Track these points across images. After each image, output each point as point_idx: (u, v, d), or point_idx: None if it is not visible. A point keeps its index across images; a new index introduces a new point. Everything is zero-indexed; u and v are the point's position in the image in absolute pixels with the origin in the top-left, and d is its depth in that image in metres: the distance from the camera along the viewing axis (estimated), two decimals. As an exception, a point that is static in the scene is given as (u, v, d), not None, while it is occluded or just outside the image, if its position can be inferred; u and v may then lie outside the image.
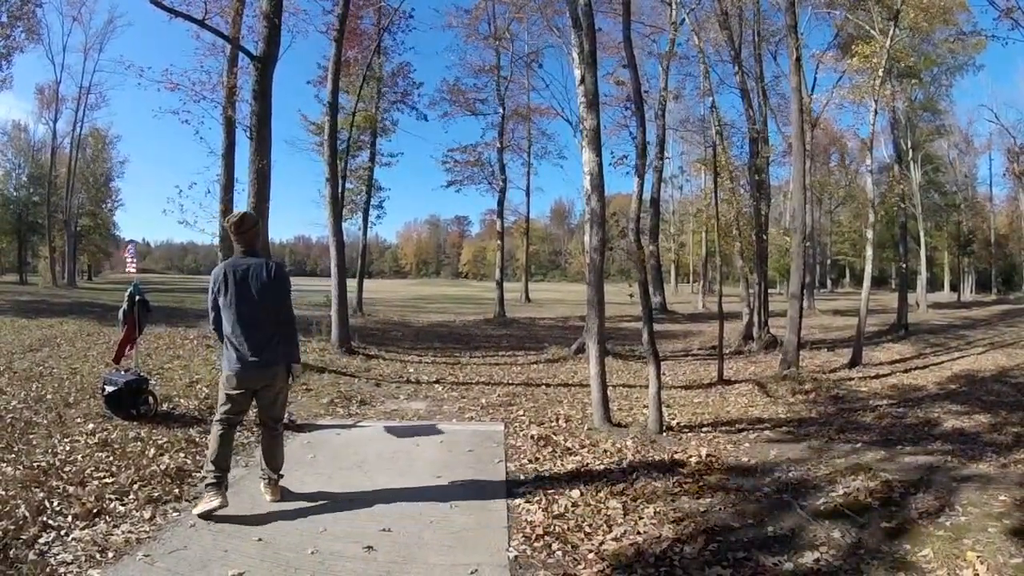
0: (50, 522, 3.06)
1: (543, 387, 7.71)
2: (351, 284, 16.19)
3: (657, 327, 7.51)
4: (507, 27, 20.00)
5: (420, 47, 45.23)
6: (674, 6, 10.57)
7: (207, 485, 3.29)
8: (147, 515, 3.24)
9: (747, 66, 13.61)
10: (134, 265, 6.84)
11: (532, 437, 5.14)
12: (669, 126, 22.03)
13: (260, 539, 3.03)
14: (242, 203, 8.79)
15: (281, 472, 3.63)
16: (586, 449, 4.81)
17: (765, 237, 12.96)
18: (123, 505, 3.35)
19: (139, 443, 4.41)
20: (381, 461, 4.45)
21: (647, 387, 5.58)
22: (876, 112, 10.67)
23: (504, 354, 11.15)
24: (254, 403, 3.53)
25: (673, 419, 5.94)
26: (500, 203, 22.34)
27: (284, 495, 3.60)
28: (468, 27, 21.09)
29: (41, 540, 2.89)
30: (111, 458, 4.04)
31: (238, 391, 3.37)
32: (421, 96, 21.49)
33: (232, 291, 3.33)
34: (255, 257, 3.45)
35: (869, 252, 10.05)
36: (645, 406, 5.85)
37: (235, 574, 2.66)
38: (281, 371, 3.48)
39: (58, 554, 2.78)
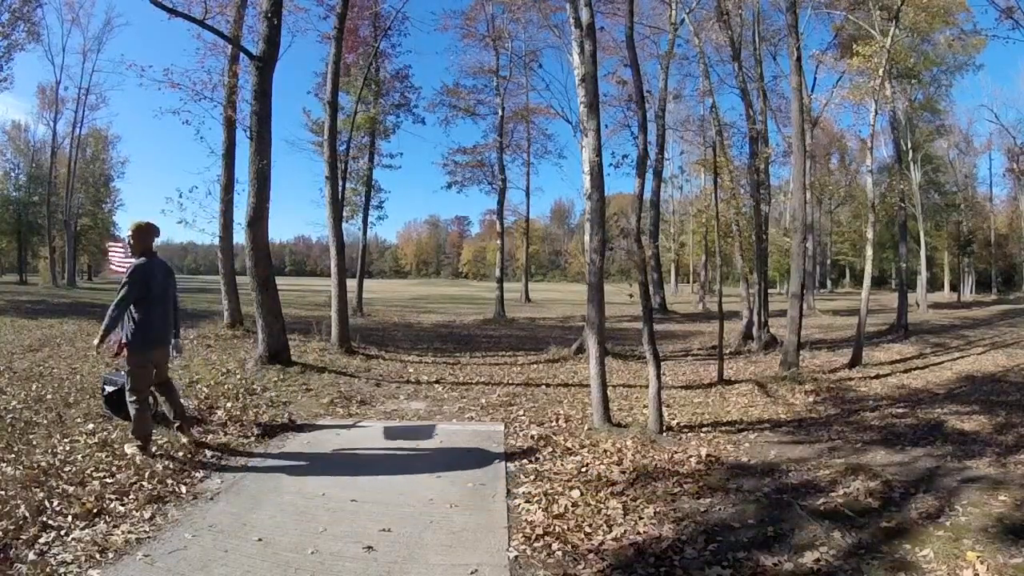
0: (50, 522, 3.06)
1: (543, 387, 7.71)
2: (351, 284, 16.18)
3: (657, 327, 7.51)
4: (505, 27, 20.03)
5: (419, 48, 45.25)
6: (674, 6, 10.59)
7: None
8: (147, 515, 3.24)
9: (747, 66, 13.60)
10: (124, 262, 6.58)
11: (532, 437, 5.15)
12: (669, 126, 22.11)
13: (260, 539, 3.03)
14: (242, 203, 8.80)
15: (187, 415, 4.65)
16: (586, 449, 4.81)
17: (765, 237, 12.95)
18: (123, 505, 3.35)
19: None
20: (381, 461, 4.45)
21: (647, 387, 5.58)
22: (876, 112, 10.67)
23: (504, 354, 11.14)
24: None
25: (673, 419, 5.94)
26: (500, 203, 22.35)
27: (282, 491, 3.68)
28: (465, 28, 21.14)
29: (41, 540, 2.89)
30: (111, 458, 4.04)
31: (148, 363, 4.25)
32: (421, 99, 21.50)
33: (156, 286, 4.25)
34: (156, 259, 4.37)
35: (869, 252, 10.05)
36: (645, 406, 5.84)
37: None
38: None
39: (58, 554, 2.78)
